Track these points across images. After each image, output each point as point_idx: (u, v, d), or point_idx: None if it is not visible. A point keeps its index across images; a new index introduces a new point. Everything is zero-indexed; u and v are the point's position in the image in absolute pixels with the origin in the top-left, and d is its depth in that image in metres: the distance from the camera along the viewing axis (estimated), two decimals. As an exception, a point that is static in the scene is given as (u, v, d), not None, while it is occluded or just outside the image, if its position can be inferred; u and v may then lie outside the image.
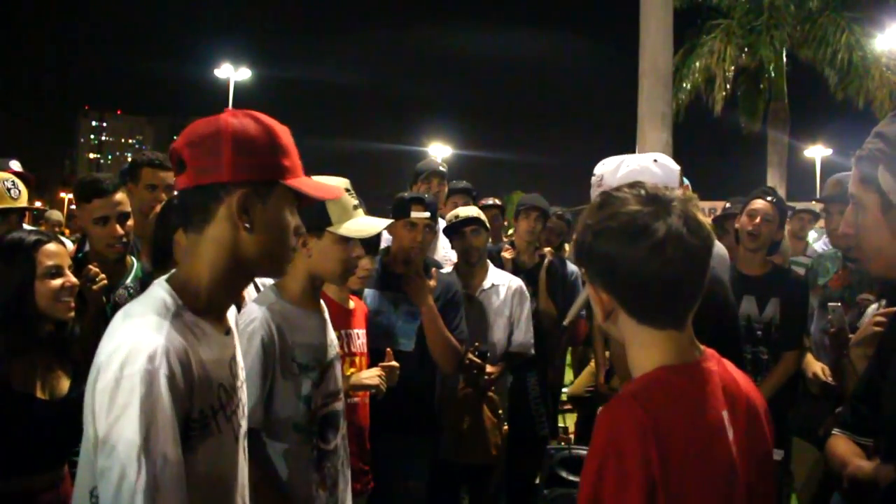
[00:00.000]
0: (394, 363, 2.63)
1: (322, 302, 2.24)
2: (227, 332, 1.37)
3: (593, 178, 2.07)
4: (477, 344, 3.23)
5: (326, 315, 2.23)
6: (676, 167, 2.08)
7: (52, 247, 2.16)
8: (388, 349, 2.69)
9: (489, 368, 3.30)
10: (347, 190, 2.14)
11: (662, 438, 1.09)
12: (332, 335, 2.21)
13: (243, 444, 1.39)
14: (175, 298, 1.26)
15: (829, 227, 3.54)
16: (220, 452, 1.29)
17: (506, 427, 3.35)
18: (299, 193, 1.33)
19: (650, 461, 1.07)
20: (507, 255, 4.13)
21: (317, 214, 2.05)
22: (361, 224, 2.12)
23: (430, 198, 3.25)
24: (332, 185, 1.45)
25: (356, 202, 2.16)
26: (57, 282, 2.12)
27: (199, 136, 1.28)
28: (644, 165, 2.01)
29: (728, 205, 4.72)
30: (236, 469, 1.36)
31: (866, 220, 1.32)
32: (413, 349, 3.04)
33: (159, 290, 1.28)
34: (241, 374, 1.42)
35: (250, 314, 2.02)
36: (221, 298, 1.33)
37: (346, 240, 2.09)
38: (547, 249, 4.36)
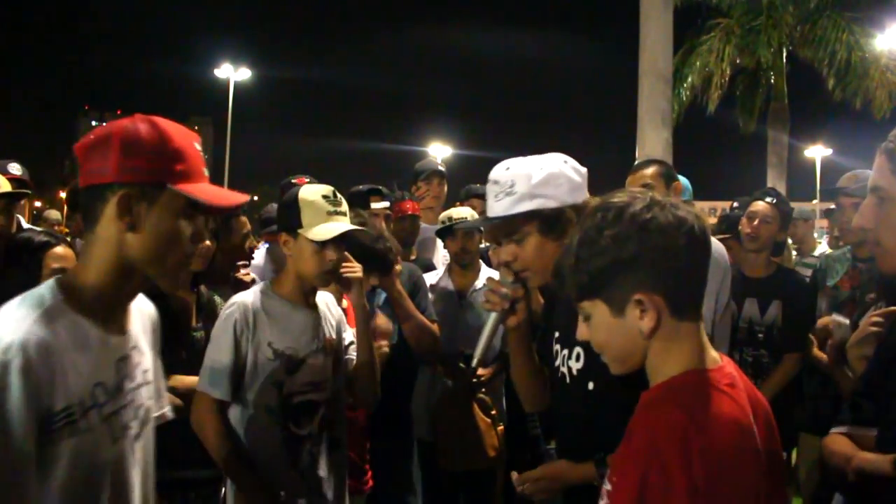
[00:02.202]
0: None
1: (324, 301, 2.36)
2: (122, 332, 1.37)
3: (495, 186, 1.83)
4: (463, 351, 3.24)
5: (327, 313, 2.35)
6: (584, 170, 1.90)
7: (59, 250, 2.18)
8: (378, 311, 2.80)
9: (480, 371, 3.30)
10: (327, 196, 2.22)
11: (702, 442, 1.08)
12: (325, 332, 2.31)
13: (134, 445, 1.38)
14: (55, 296, 1.27)
15: (840, 220, 3.45)
16: (93, 451, 1.28)
17: (501, 427, 3.33)
18: (191, 199, 1.32)
19: (692, 465, 1.06)
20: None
21: (291, 218, 2.19)
22: (327, 228, 2.18)
23: (387, 190, 3.46)
24: (231, 194, 1.43)
25: (333, 209, 2.22)
26: None
27: (95, 138, 1.31)
28: (560, 169, 1.82)
29: (736, 204, 4.70)
30: (120, 470, 1.34)
31: (892, 214, 1.30)
32: (396, 341, 3.10)
33: (44, 287, 1.30)
34: (141, 375, 1.41)
35: (234, 300, 2.25)
36: (109, 298, 1.33)
37: (318, 244, 2.17)
38: None
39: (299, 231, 2.18)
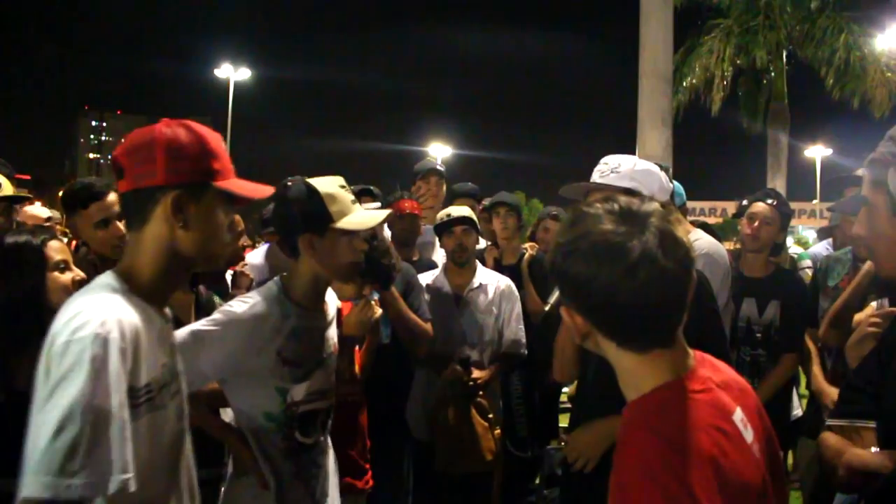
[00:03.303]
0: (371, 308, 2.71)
1: (329, 304, 2.27)
2: (168, 320, 1.51)
3: (604, 166, 2.27)
4: (459, 353, 3.26)
5: (331, 317, 2.25)
6: (670, 185, 2.42)
7: (56, 243, 2.20)
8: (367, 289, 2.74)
9: (477, 374, 3.31)
10: (342, 186, 2.14)
11: (682, 459, 1.06)
12: (331, 336, 2.22)
13: (187, 426, 1.52)
14: (121, 283, 1.39)
15: (841, 232, 3.54)
16: (165, 427, 1.41)
17: (498, 430, 3.33)
18: (231, 194, 1.47)
19: (687, 483, 1.04)
20: (489, 255, 4.12)
21: (317, 214, 2.05)
22: (362, 217, 2.12)
23: (377, 190, 3.46)
24: (260, 186, 1.57)
25: (352, 197, 2.16)
26: (67, 276, 2.15)
27: (136, 145, 1.42)
28: (657, 170, 2.31)
29: (745, 202, 4.70)
30: (181, 446, 1.49)
31: (877, 223, 1.35)
32: (389, 341, 3.10)
33: (106, 277, 1.41)
34: (181, 363, 1.55)
35: (253, 302, 2.03)
36: (162, 288, 1.46)
37: (349, 234, 2.09)
38: (527, 245, 4.32)
39: (332, 225, 2.05)
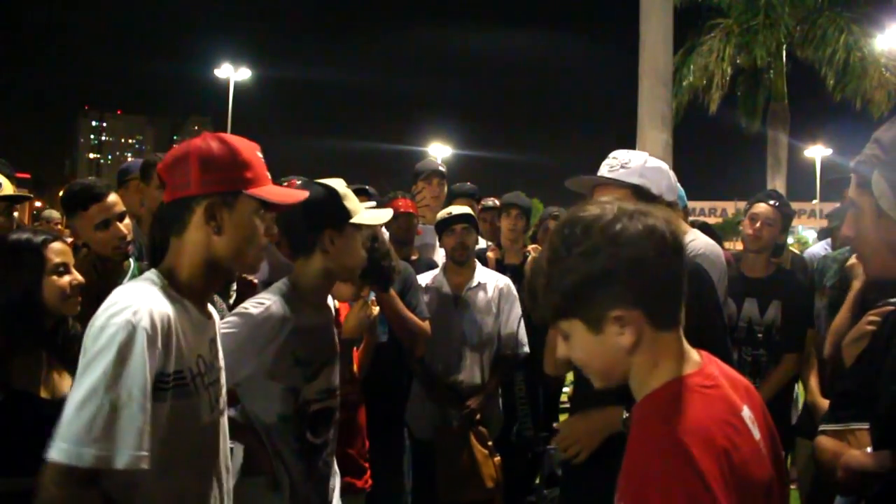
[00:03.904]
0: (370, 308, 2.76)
1: (331, 301, 2.31)
2: (209, 317, 1.62)
3: (614, 160, 2.22)
4: (450, 378, 3.34)
5: (332, 315, 2.29)
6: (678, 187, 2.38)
7: (58, 245, 2.19)
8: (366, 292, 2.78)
9: (471, 402, 3.34)
10: (347, 187, 2.20)
11: (698, 449, 1.07)
12: (335, 334, 2.26)
13: (222, 421, 1.62)
14: (162, 279, 1.53)
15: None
16: (197, 414, 1.52)
17: (498, 458, 3.35)
18: (264, 200, 1.57)
19: (703, 475, 1.05)
20: (491, 254, 4.12)
21: (338, 211, 2.09)
22: (373, 214, 2.20)
23: (373, 190, 3.50)
24: (293, 192, 1.67)
25: (358, 196, 2.23)
26: (65, 279, 2.14)
27: (174, 158, 1.56)
28: (667, 169, 2.26)
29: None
30: (215, 438, 1.59)
31: (863, 224, 1.36)
32: (387, 340, 3.11)
33: (149, 273, 1.55)
34: (221, 359, 1.65)
35: (265, 302, 2.04)
36: (201, 287, 1.58)
37: (359, 231, 2.16)
38: (531, 247, 4.34)
39: (351, 220, 2.10)
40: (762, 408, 1.28)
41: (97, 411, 1.30)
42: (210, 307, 1.65)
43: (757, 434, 1.19)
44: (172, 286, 1.52)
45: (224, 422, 1.63)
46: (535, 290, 1.23)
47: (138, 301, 1.40)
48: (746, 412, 1.20)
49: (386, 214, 2.24)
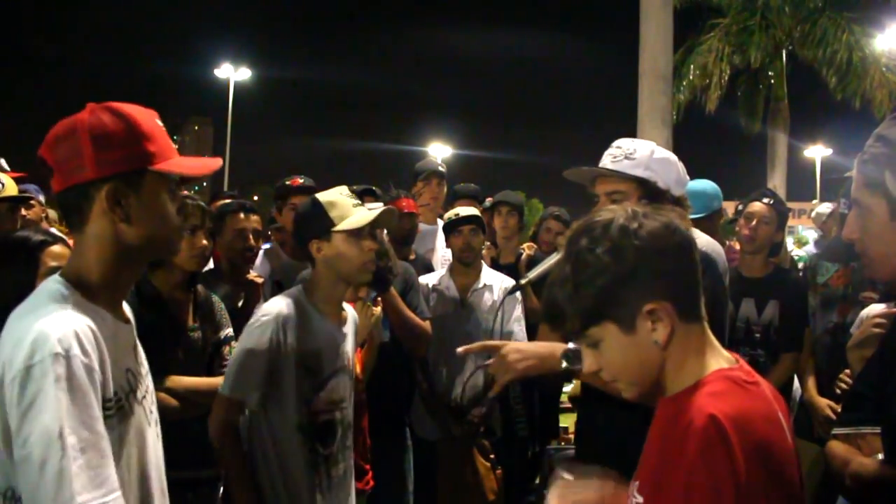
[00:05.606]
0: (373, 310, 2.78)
1: (348, 309, 2.34)
2: (127, 321, 1.38)
3: (617, 150, 2.04)
4: (450, 397, 3.33)
5: (350, 323, 2.32)
6: (687, 179, 2.17)
7: (57, 248, 2.15)
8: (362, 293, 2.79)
9: (475, 413, 3.34)
10: (344, 193, 2.24)
11: (741, 439, 1.06)
12: (348, 343, 2.28)
13: (157, 430, 1.41)
14: (70, 289, 1.26)
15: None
16: (136, 434, 1.31)
17: (499, 470, 3.35)
18: (180, 177, 1.35)
19: (736, 464, 1.04)
20: (486, 253, 4.12)
21: (319, 221, 2.15)
22: (359, 216, 2.19)
23: (380, 191, 3.47)
24: (207, 160, 1.46)
25: (356, 201, 2.24)
26: None
27: (59, 137, 1.29)
28: (676, 161, 2.09)
29: (741, 206, 4.70)
30: (152, 451, 1.37)
31: (872, 226, 1.30)
32: (388, 339, 3.11)
33: (52, 283, 1.28)
34: (145, 363, 1.43)
35: (268, 309, 2.14)
36: (116, 288, 1.34)
37: (355, 236, 2.16)
38: (525, 245, 4.32)
39: (333, 229, 2.15)
40: (784, 405, 1.26)
41: (62, 463, 1.09)
42: (125, 307, 1.41)
43: (789, 438, 1.18)
44: (85, 295, 1.26)
45: (158, 431, 1.43)
46: (556, 302, 1.21)
47: (58, 327, 1.16)
48: (780, 415, 1.19)
49: (370, 214, 2.20)
